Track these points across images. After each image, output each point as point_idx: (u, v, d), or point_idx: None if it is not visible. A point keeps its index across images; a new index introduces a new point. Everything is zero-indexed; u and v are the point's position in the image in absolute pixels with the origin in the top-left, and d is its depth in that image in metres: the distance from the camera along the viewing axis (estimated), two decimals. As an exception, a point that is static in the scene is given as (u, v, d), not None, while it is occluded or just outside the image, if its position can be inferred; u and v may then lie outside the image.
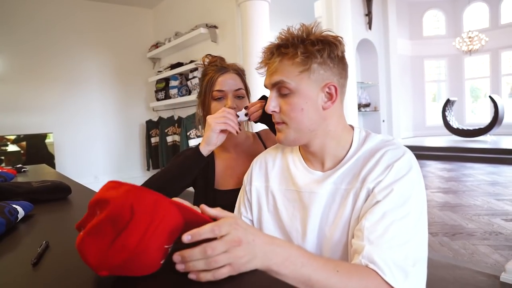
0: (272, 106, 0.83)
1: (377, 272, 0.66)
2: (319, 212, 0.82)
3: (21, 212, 0.93)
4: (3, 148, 4.80)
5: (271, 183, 0.94)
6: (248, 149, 1.32)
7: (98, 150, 5.76)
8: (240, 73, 1.28)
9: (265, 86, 0.86)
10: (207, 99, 1.24)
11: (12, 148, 4.86)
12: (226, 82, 1.22)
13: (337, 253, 0.79)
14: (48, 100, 5.32)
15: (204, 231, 0.54)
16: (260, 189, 0.96)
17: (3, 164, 4.69)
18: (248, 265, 0.55)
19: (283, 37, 0.81)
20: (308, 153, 0.88)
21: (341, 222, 0.79)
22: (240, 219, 0.60)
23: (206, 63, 1.31)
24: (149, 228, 0.50)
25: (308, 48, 0.78)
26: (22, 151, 4.92)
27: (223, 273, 0.53)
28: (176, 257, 0.53)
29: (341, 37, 0.82)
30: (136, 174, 6.03)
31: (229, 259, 0.53)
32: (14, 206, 0.92)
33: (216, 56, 1.32)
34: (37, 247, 0.68)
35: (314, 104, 0.80)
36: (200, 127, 1.31)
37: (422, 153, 7.36)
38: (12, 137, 4.88)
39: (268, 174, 0.96)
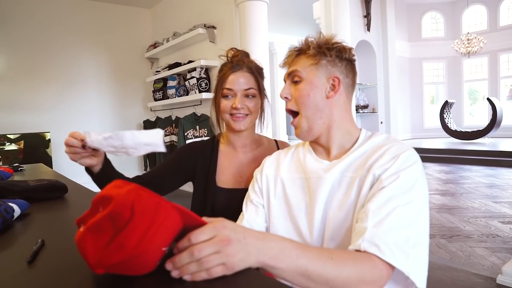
0: (285, 92, 0.96)
1: (376, 255, 0.68)
2: (325, 196, 0.88)
3: (17, 211, 0.93)
4: (0, 147, 4.79)
5: (281, 171, 1.00)
6: (257, 152, 1.31)
7: (95, 149, 5.73)
8: (254, 71, 1.24)
9: (284, 80, 0.99)
10: (218, 95, 1.23)
11: (9, 147, 4.84)
12: (236, 81, 1.20)
13: (339, 236, 0.83)
14: (46, 100, 5.31)
15: (182, 244, 0.54)
16: (270, 176, 1.02)
17: (0, 163, 4.68)
18: (242, 263, 0.55)
19: (303, 41, 0.96)
20: (317, 145, 0.97)
21: (345, 207, 0.83)
22: (228, 221, 0.59)
23: (229, 56, 1.28)
24: (149, 230, 0.50)
25: (320, 47, 0.92)
26: (19, 150, 4.91)
27: (217, 271, 0.52)
28: (168, 264, 0.53)
29: (351, 47, 0.95)
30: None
31: (222, 258, 0.53)
32: (10, 204, 0.91)
33: (239, 51, 1.28)
34: (32, 245, 0.68)
35: (319, 92, 0.91)
36: (215, 125, 1.29)
37: (420, 155, 7.04)
38: (9, 136, 4.87)
39: (280, 164, 1.02)
